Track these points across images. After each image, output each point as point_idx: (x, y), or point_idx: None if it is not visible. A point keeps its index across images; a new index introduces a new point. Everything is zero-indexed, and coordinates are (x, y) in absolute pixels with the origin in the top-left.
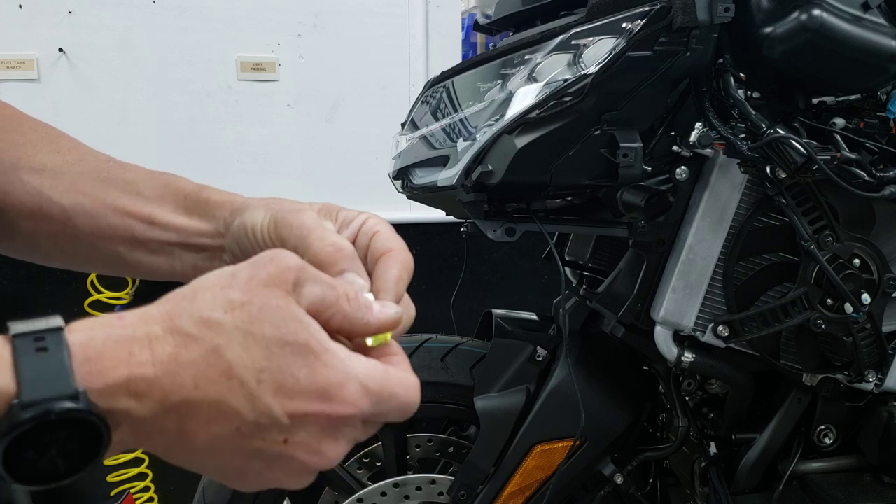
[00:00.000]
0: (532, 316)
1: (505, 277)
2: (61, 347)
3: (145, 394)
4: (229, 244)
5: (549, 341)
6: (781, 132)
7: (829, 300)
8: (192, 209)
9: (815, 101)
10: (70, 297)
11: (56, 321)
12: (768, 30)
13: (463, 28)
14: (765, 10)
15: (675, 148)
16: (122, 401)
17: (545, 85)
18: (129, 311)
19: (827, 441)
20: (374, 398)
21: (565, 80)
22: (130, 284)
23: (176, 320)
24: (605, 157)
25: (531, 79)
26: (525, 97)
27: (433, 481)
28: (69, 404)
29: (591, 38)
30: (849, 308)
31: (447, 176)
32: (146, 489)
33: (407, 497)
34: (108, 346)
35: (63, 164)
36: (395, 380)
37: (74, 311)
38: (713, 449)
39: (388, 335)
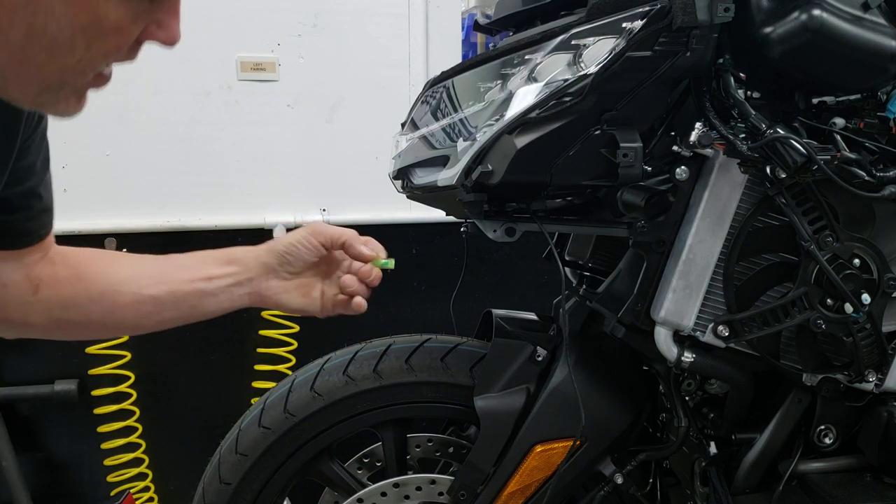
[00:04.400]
0: (532, 316)
1: (505, 277)
2: None
3: None
4: (267, 263)
5: (549, 341)
6: (781, 132)
7: (829, 300)
8: (226, 262)
9: (815, 101)
10: None
11: None
12: (768, 30)
13: (463, 28)
14: (765, 10)
15: (675, 148)
16: None
17: (545, 85)
18: None
19: (827, 441)
20: None
21: (565, 80)
22: None
23: None
24: (605, 157)
25: (531, 79)
26: (525, 97)
27: (433, 481)
28: None
29: (591, 38)
30: (849, 308)
31: (447, 176)
32: (146, 489)
33: (407, 497)
34: None
35: (140, 271)
36: None
37: None
38: (713, 449)
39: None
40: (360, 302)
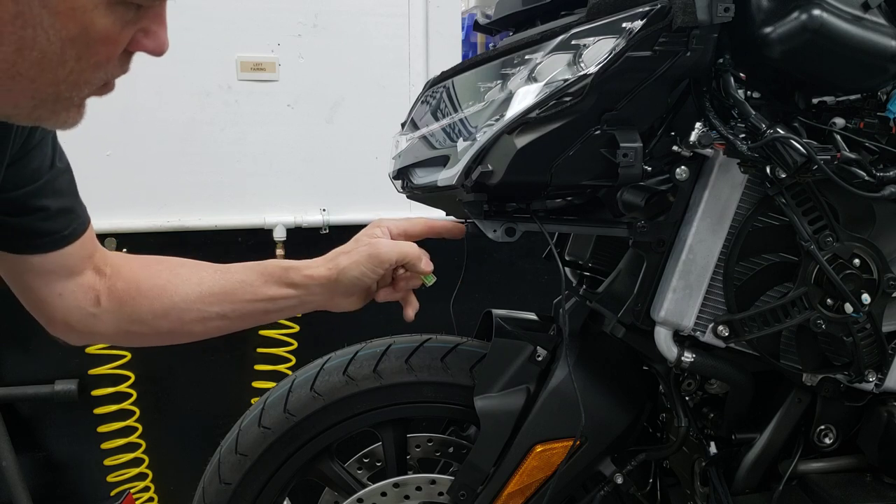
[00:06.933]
0: (532, 316)
1: (505, 277)
2: None
3: None
4: (331, 289)
5: (549, 341)
6: (781, 132)
7: (829, 300)
8: (286, 284)
9: (815, 101)
10: None
11: None
12: (768, 30)
13: (463, 28)
14: (765, 10)
15: (675, 148)
16: None
17: (545, 85)
18: None
19: (827, 441)
20: None
21: (565, 80)
22: None
23: None
24: (605, 157)
25: (531, 79)
26: (525, 97)
27: (433, 481)
28: None
29: (591, 38)
30: (849, 308)
31: (447, 176)
32: (146, 489)
33: (407, 497)
34: None
35: (201, 288)
36: None
37: None
38: (713, 449)
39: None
40: (411, 309)
